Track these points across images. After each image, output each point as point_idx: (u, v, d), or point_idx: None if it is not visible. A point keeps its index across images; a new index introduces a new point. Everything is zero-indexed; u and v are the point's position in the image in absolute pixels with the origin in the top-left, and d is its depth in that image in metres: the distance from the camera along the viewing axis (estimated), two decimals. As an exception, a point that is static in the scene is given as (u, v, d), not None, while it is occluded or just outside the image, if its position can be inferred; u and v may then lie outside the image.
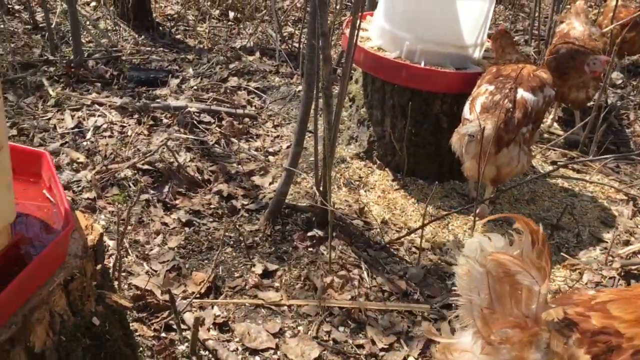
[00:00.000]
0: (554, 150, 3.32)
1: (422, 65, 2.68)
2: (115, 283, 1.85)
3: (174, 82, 3.81)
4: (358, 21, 2.13)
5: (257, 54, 4.31)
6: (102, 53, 4.12)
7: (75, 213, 1.52)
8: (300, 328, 1.99)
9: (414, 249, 2.46)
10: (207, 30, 4.73)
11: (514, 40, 2.97)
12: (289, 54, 4.29)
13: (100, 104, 3.32)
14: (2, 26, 4.03)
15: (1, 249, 1.28)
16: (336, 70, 3.78)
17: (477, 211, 2.57)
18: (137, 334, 1.78)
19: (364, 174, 2.96)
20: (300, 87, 3.86)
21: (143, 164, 2.80)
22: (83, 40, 4.05)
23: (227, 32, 4.77)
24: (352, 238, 2.46)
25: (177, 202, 2.69)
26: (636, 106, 3.95)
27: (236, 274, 2.25)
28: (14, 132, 3.01)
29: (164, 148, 2.90)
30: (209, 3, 5.16)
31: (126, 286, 2.06)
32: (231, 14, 5.05)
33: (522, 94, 2.43)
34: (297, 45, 4.45)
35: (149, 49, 4.35)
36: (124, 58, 4.10)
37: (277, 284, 2.20)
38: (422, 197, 2.81)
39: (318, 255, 2.34)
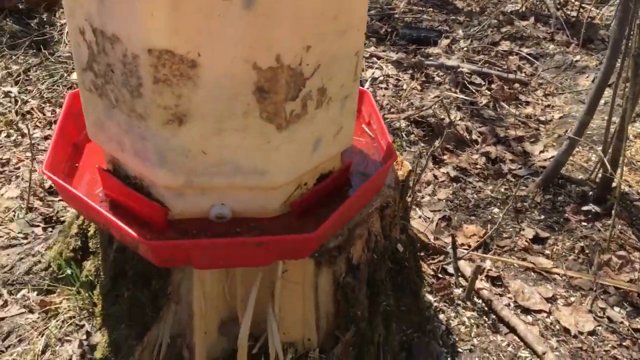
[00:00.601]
0: None
1: None
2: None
3: (444, 42, 3.86)
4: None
5: (531, 20, 4.16)
6: (377, 10, 4.32)
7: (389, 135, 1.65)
8: (572, 299, 1.95)
9: None
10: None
11: None
12: (565, 22, 4.07)
13: (378, 57, 3.51)
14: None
15: (337, 170, 1.46)
16: None
17: None
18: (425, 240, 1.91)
19: (648, 155, 2.74)
20: (577, 57, 3.66)
21: (417, 117, 2.91)
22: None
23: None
24: (633, 219, 2.31)
25: (444, 157, 2.77)
26: None
27: (504, 235, 2.26)
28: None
29: (436, 104, 2.98)
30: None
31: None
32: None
33: None
34: (574, 13, 4.20)
35: (420, 8, 4.45)
36: (396, 16, 4.25)
37: (547, 252, 2.17)
38: None
39: (593, 231, 2.25)
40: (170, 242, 1.26)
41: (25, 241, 2.04)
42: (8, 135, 2.78)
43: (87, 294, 1.61)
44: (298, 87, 1.21)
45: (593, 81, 3.34)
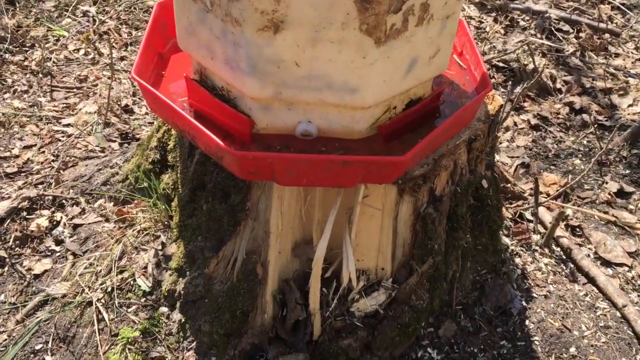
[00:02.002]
0: None
1: None
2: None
3: (530, -13, 3.66)
4: None
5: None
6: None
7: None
8: (659, 256, 1.86)
9: None
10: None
11: None
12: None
13: (459, -2, 3.35)
14: None
15: (427, 97, 1.39)
16: None
17: None
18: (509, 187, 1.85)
19: None
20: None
21: (499, 61, 2.78)
22: None
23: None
24: None
25: (525, 104, 2.64)
26: None
27: (586, 187, 2.16)
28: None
29: (520, 49, 2.84)
30: None
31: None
32: None
33: None
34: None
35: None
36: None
37: (631, 207, 2.06)
38: None
39: (685, 190, 2.12)
40: (257, 153, 1.23)
41: (102, 154, 2.07)
42: (86, 54, 2.81)
43: (163, 207, 1.62)
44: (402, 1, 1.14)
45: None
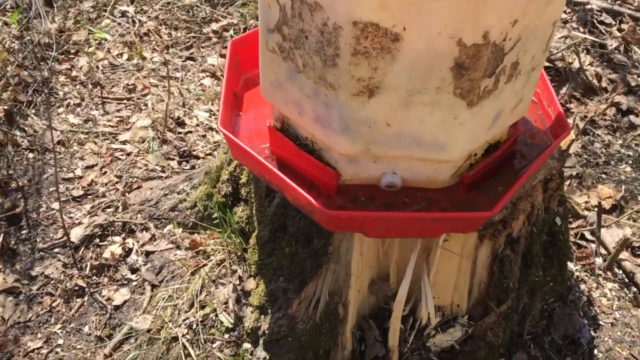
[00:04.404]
0: None
1: None
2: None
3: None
4: None
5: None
6: None
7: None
8: None
9: None
10: None
11: None
12: None
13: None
14: None
15: (504, 140, 1.41)
16: None
17: None
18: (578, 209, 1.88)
19: None
20: None
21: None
22: None
23: None
24: None
25: (571, 105, 2.64)
26: None
27: (639, 197, 2.18)
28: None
29: (564, 46, 2.82)
30: None
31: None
32: None
33: None
34: None
35: None
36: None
37: (687, 219, 2.08)
38: None
39: None
40: (351, 213, 1.27)
41: (163, 174, 2.10)
42: (129, 59, 2.82)
43: (238, 240, 1.66)
44: (497, 63, 1.15)
45: None
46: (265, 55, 1.31)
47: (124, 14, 3.12)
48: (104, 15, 3.09)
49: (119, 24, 3.04)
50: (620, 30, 3.09)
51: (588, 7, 3.15)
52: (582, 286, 1.75)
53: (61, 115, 2.38)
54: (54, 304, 1.73)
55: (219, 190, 1.72)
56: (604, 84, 2.75)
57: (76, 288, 1.76)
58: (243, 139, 1.45)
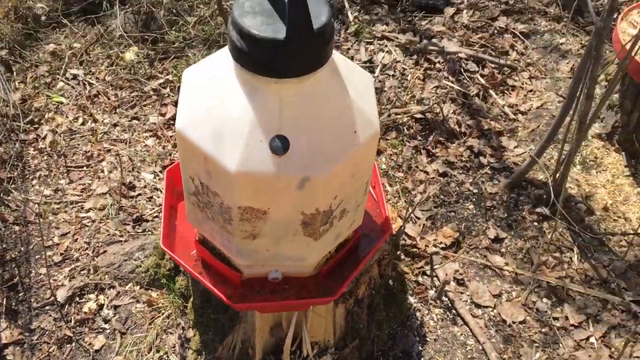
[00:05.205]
0: None
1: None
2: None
3: (449, 11, 4.32)
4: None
5: (531, -13, 4.54)
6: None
7: (388, 207, 2.35)
8: (514, 293, 2.74)
9: (623, 242, 2.98)
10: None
11: None
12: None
13: (388, 39, 4.02)
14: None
15: (350, 238, 2.18)
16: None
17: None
18: (407, 271, 2.68)
19: (600, 155, 3.39)
20: (563, 40, 4.14)
21: (416, 113, 3.52)
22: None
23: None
24: (572, 221, 3.03)
25: (436, 150, 3.43)
26: None
27: (474, 232, 3.01)
28: (323, 59, 3.87)
29: (434, 96, 3.58)
30: None
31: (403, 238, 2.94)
32: None
33: None
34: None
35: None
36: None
37: (503, 250, 2.93)
38: (649, 188, 3.21)
39: (541, 232, 2.99)
40: (248, 304, 2.03)
41: (122, 239, 2.81)
42: (83, 123, 3.44)
43: (180, 301, 2.40)
44: (328, 217, 1.90)
45: (571, 70, 3.88)
46: (188, 204, 2.02)
47: (75, 76, 3.71)
48: (58, 79, 3.67)
49: (72, 87, 3.63)
50: (482, 75, 3.87)
51: (457, 56, 3.90)
52: (418, 313, 2.58)
53: (35, 187, 3.03)
54: (50, 350, 2.44)
55: (164, 265, 2.45)
56: (463, 129, 3.54)
57: (66, 337, 2.47)
58: (179, 246, 2.17)
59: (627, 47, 2.47)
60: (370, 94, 1.91)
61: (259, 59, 1.61)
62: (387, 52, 3.95)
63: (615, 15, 3.45)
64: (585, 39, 4.09)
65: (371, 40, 4.04)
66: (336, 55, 1.83)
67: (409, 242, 2.88)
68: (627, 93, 3.28)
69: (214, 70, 1.81)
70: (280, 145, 1.67)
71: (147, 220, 2.89)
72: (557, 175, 2.96)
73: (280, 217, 1.83)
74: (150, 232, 2.80)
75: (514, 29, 4.21)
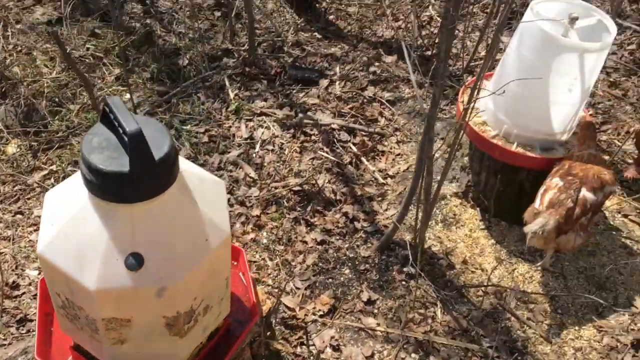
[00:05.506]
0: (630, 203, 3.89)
1: (515, 146, 3.36)
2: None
3: (323, 83, 4.67)
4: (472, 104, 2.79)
5: (394, 56, 4.98)
6: (269, 43, 5.01)
7: (257, 289, 2.57)
8: (385, 352, 3.01)
9: (480, 292, 3.33)
10: (357, 12, 5.43)
11: (597, 133, 3.51)
12: (422, 57, 4.92)
13: (267, 115, 4.30)
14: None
15: (220, 326, 2.37)
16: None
17: (540, 263, 3.37)
18: (283, 349, 2.89)
19: (459, 212, 3.77)
20: (425, 104, 4.56)
21: (294, 186, 3.79)
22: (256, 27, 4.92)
23: (374, 13, 5.44)
24: (436, 277, 3.36)
25: (314, 219, 3.69)
26: None
27: (349, 297, 3.26)
28: (206, 139, 4.10)
29: (310, 170, 3.86)
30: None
31: (281, 308, 3.16)
32: None
33: (584, 193, 3.08)
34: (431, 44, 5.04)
35: (306, 35, 5.17)
36: (285, 49, 4.97)
37: (375, 311, 3.20)
38: (501, 239, 3.60)
39: (408, 291, 3.29)
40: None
41: (6, 342, 2.86)
42: (-35, 223, 3.47)
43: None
44: (191, 316, 2.09)
45: (433, 133, 4.29)
46: (59, 315, 2.16)
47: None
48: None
49: (-48, 187, 3.65)
50: (354, 144, 4.20)
51: (330, 127, 4.22)
52: (296, 384, 2.79)
53: None
54: None
55: (47, 368, 2.54)
56: (338, 197, 3.83)
57: None
58: (55, 353, 2.29)
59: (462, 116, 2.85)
60: (221, 202, 2.14)
61: (108, 190, 1.80)
62: (265, 127, 4.22)
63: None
64: (443, 103, 4.53)
65: (251, 117, 4.30)
66: (186, 169, 2.05)
67: (288, 313, 3.10)
68: (474, 156, 3.69)
69: (72, 193, 1.98)
70: (134, 262, 1.86)
71: (31, 320, 2.96)
72: (416, 237, 3.29)
73: (144, 323, 2.01)
74: (34, 333, 2.87)
75: (381, 97, 4.60)
